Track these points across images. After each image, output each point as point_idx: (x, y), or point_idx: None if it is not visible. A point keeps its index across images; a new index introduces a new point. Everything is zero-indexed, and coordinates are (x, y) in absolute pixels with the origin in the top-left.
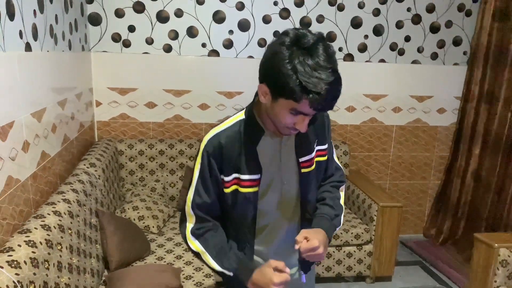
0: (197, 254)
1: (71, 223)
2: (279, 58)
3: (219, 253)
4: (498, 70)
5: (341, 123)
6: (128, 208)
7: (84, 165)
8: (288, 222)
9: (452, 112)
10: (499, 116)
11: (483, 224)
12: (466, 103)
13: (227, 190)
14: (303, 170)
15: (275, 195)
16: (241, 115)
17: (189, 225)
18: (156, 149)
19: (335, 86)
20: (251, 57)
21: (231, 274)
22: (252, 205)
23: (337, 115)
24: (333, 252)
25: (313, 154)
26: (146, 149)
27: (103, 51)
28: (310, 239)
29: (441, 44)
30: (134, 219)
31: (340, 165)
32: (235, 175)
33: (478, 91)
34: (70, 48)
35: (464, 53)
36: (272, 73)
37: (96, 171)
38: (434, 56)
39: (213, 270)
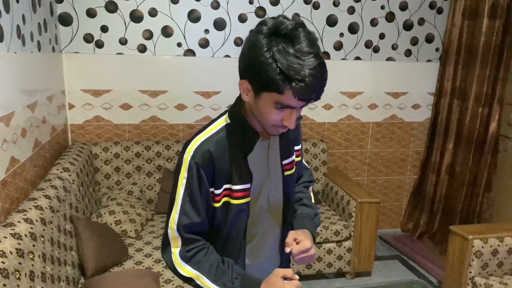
0: (189, 280)
1: (43, 230)
2: (257, 48)
3: (217, 274)
4: (469, 66)
5: (319, 121)
6: (105, 213)
7: (57, 169)
8: (274, 229)
9: (427, 108)
10: (471, 111)
11: (458, 217)
12: (440, 99)
13: (217, 205)
14: (286, 173)
15: (264, 203)
16: (224, 120)
17: (175, 249)
18: (132, 151)
19: (320, 72)
20: (227, 56)
21: None
22: (245, 217)
23: (314, 113)
24: None
25: (294, 156)
26: (122, 152)
27: (75, 52)
28: (301, 240)
29: (414, 41)
30: (110, 224)
31: (307, 165)
32: (226, 186)
33: (451, 87)
34: (39, 49)
35: (437, 49)
36: (251, 65)
37: (70, 175)
38: (408, 53)
39: None
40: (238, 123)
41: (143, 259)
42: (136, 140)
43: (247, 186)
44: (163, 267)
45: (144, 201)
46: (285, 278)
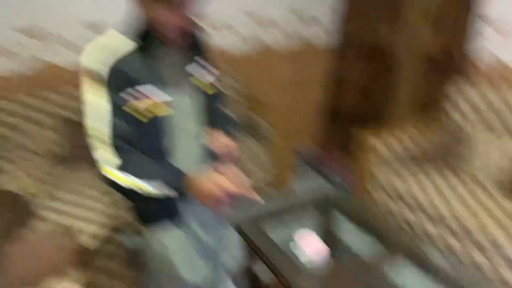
0: (123, 190)
1: None
2: None
3: (151, 174)
4: None
5: (229, 51)
6: None
7: None
8: (195, 142)
9: (324, 28)
10: (372, 28)
11: (365, 124)
12: (343, 19)
13: (130, 111)
14: (205, 89)
15: (182, 116)
16: (127, 42)
17: (106, 157)
18: (21, 104)
19: None
20: None
21: (174, 189)
22: (166, 128)
23: (223, 40)
24: None
25: (212, 77)
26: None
27: None
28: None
29: None
30: (6, 185)
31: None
32: (141, 89)
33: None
34: None
35: None
36: None
37: None
38: None
39: (147, 198)
40: (144, 37)
41: (50, 216)
42: (25, 91)
43: (164, 95)
44: (74, 219)
45: (44, 154)
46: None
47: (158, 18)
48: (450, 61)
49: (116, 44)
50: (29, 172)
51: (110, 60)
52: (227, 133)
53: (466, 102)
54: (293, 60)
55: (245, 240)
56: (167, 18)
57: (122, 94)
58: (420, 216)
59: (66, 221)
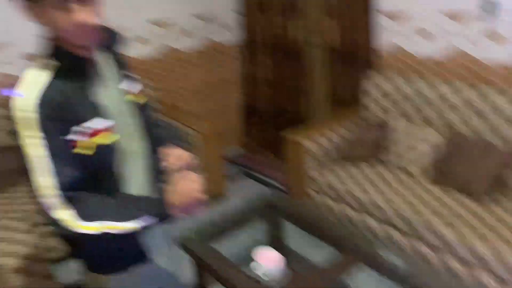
0: (96, 236)
1: None
2: None
3: (118, 211)
4: None
5: (137, 57)
6: None
7: None
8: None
9: (227, 25)
10: (275, 22)
11: (288, 122)
12: (245, 16)
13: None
14: (132, 99)
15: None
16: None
17: (67, 214)
18: None
19: None
20: None
21: (147, 218)
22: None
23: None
24: None
25: (136, 87)
26: None
27: None
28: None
29: None
30: None
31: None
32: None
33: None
34: None
35: None
36: None
37: None
38: None
39: (123, 234)
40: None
41: None
42: None
43: (106, 121)
44: None
45: None
46: None
47: (64, 24)
48: (356, 53)
49: (35, 80)
50: None
51: (34, 98)
52: (177, 145)
53: (382, 95)
54: (204, 61)
55: (194, 259)
56: (74, 23)
57: (70, 136)
58: (362, 213)
59: None
